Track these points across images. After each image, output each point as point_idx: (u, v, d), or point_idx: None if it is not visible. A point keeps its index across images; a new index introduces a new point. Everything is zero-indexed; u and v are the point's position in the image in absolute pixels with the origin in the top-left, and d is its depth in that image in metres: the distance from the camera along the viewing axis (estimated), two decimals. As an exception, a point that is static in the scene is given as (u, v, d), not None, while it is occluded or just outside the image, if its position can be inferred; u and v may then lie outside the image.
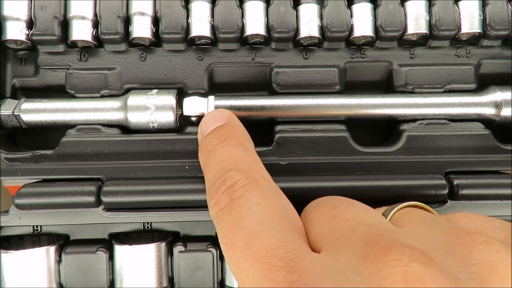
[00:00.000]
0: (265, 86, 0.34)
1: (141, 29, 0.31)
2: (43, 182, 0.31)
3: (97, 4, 0.31)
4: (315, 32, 0.32)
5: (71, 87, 0.32)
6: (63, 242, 0.30)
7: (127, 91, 0.33)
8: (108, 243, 0.30)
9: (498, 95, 0.32)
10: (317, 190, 0.30)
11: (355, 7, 0.32)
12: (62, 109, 0.32)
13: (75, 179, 0.31)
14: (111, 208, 0.30)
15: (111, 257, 0.30)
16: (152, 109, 0.31)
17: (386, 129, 0.36)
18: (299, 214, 0.24)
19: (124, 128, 0.32)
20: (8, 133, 0.33)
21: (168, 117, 0.31)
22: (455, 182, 0.31)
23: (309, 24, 0.32)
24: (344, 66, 0.34)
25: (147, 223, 0.31)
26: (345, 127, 0.32)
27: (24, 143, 0.35)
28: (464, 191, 0.31)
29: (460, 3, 0.32)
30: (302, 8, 0.32)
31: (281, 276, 0.18)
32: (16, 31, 0.31)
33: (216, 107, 0.31)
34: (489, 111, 0.32)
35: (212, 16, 0.32)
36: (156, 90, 0.32)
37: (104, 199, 0.30)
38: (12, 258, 0.29)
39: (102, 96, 0.33)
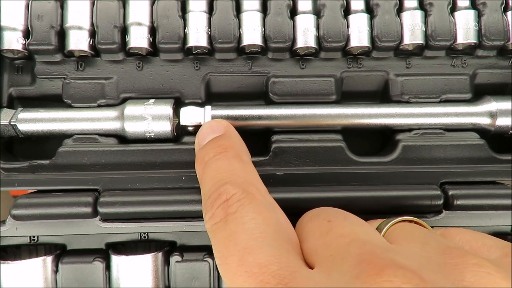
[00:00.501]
0: (262, 96, 0.34)
1: (138, 39, 0.32)
2: (40, 193, 0.31)
3: (94, 14, 0.31)
4: (312, 42, 0.32)
5: (68, 97, 0.33)
6: (60, 252, 0.30)
7: (124, 100, 0.33)
8: (105, 253, 0.30)
9: (493, 105, 0.32)
10: (313, 200, 0.30)
11: (351, 17, 0.32)
12: (59, 118, 0.32)
13: (72, 190, 0.31)
14: (108, 218, 0.30)
15: (108, 267, 0.30)
16: (149, 119, 0.31)
17: (382, 138, 0.36)
18: (293, 224, 0.24)
19: (121, 137, 0.32)
20: (5, 142, 0.33)
21: (165, 127, 0.31)
22: (450, 192, 0.31)
23: (305, 34, 0.32)
24: (341, 76, 0.34)
25: (144, 233, 0.31)
26: (341, 137, 0.33)
27: (21, 152, 0.35)
28: (459, 202, 0.31)
29: (455, 13, 0.32)
30: (298, 18, 0.32)
31: (275, 293, 0.18)
32: (12, 41, 0.31)
33: (213, 117, 0.31)
34: (484, 121, 0.33)
35: (209, 26, 0.32)
36: (153, 100, 0.32)
37: (101, 209, 0.30)
38: (9, 268, 0.29)
39: (99, 106, 0.33)
